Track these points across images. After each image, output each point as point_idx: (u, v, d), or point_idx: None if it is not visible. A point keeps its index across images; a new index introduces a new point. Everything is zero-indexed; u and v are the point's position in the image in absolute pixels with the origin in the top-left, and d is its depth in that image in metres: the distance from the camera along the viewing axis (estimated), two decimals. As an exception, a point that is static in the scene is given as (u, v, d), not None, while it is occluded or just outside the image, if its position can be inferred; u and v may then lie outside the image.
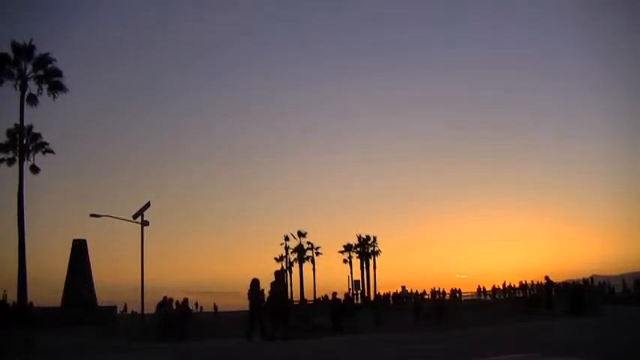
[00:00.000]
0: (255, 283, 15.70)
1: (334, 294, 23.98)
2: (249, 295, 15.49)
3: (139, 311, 33.51)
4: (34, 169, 35.49)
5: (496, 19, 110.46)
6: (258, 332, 15.08)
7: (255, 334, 15.01)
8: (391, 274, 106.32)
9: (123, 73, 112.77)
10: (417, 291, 53.95)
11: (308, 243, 67.89)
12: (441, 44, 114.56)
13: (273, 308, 14.91)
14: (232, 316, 41.07)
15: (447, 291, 53.98)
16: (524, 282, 50.88)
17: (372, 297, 61.70)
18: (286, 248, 68.46)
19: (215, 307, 53.17)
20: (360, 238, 67.32)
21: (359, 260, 66.23)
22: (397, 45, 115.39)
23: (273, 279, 15.36)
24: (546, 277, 29.03)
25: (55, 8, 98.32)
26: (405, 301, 48.12)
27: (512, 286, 51.49)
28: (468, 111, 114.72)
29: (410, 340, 13.60)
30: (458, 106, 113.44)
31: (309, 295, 61.06)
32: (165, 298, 22.56)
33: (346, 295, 24.18)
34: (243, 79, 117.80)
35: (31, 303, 32.44)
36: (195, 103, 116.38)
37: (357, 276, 63.93)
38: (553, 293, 29.98)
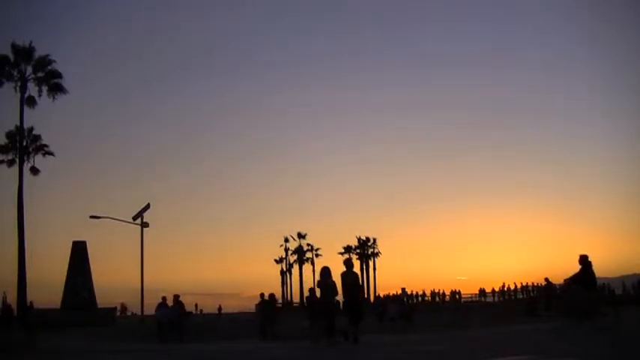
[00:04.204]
0: (326, 271, 13.23)
1: (262, 295, 20.62)
2: (319, 286, 13.10)
3: (138, 312, 33.63)
4: (34, 171, 35.59)
5: (497, 18, 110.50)
6: (324, 332, 12.94)
7: (321, 334, 12.90)
8: (391, 276, 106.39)
9: (122, 73, 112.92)
10: (388, 294, 53.88)
11: (308, 245, 68.08)
12: (441, 43, 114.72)
13: (347, 304, 12.74)
14: (235, 318, 41.12)
15: (447, 292, 54.22)
16: (524, 284, 50.97)
17: (372, 299, 61.79)
18: (286, 250, 68.67)
19: (219, 309, 53.37)
20: (359, 239, 67.44)
21: (359, 262, 66.32)
22: (397, 44, 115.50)
23: (344, 269, 12.95)
24: (546, 279, 29.00)
25: (55, 8, 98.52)
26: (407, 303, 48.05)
27: (511, 287, 51.51)
28: (467, 112, 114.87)
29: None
30: (458, 107, 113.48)
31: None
32: (164, 298, 22.56)
33: (271, 295, 20.68)
34: (243, 78, 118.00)
35: (31, 303, 32.48)
36: (194, 104, 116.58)
37: (357, 278, 64.04)
38: (553, 295, 29.89)
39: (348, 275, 12.90)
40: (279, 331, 18.85)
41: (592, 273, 14.73)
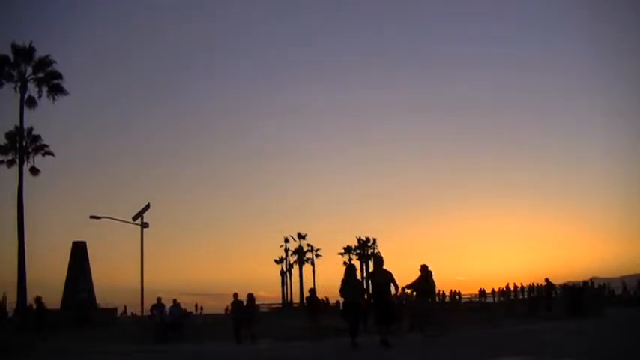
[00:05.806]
0: (351, 269, 12.68)
1: (235, 295, 19.46)
2: (343, 285, 12.25)
3: (138, 313, 33.55)
4: (34, 171, 35.56)
5: (497, 18, 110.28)
6: (350, 333, 12.19)
7: (358, 336, 12.12)
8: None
9: (122, 74, 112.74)
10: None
11: (308, 245, 67.98)
12: (441, 44, 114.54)
13: (377, 304, 12.03)
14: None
15: (447, 292, 54.20)
16: (523, 284, 50.96)
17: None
18: (286, 250, 68.53)
19: (226, 309, 53.39)
20: (359, 239, 67.41)
21: (359, 262, 66.26)
22: (397, 44, 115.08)
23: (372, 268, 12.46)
24: (546, 279, 29.06)
25: (55, 8, 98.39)
26: (405, 304, 47.92)
27: (511, 287, 51.48)
28: (467, 111, 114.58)
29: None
30: (457, 107, 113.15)
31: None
32: (159, 299, 22.63)
33: (249, 295, 19.38)
34: (243, 79, 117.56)
35: (41, 302, 32.45)
36: (194, 104, 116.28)
37: (357, 278, 63.99)
38: (553, 295, 29.94)
39: (379, 274, 12.36)
40: (255, 332, 18.08)
41: (432, 282, 15.12)
